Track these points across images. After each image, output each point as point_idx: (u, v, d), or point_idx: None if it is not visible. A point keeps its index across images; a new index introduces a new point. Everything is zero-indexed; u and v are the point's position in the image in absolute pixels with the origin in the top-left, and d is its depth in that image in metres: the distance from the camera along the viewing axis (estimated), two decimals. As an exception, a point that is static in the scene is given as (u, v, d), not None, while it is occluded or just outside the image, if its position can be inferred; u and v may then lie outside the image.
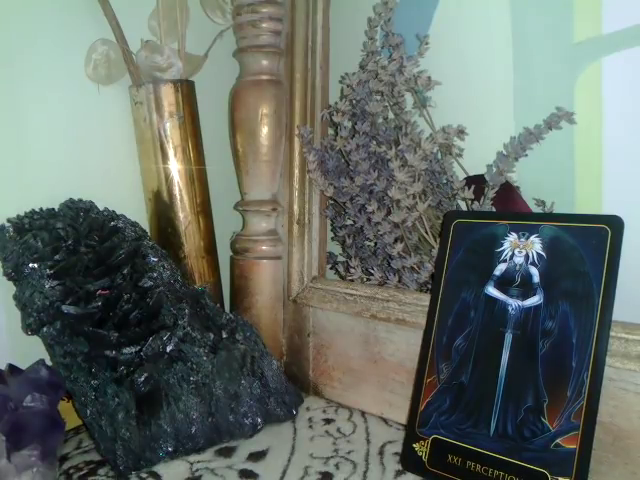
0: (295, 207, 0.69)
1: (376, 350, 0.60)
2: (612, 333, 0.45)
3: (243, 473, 0.51)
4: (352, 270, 0.65)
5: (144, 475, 0.51)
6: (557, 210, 0.56)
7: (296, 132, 0.68)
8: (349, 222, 0.69)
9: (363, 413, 0.61)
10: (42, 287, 0.56)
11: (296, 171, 0.69)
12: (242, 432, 0.56)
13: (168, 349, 0.56)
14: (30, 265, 0.57)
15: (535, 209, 0.58)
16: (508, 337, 0.48)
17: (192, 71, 0.70)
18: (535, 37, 0.59)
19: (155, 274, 0.59)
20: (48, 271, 0.56)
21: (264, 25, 0.67)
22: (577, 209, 0.58)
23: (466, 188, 0.57)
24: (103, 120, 0.68)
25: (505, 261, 0.50)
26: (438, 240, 0.59)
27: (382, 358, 0.60)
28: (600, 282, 0.45)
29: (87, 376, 0.53)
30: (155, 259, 0.61)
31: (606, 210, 0.55)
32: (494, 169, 0.56)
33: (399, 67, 0.60)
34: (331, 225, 0.72)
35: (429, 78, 0.59)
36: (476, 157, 0.59)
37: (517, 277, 0.49)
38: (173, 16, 0.67)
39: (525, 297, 0.48)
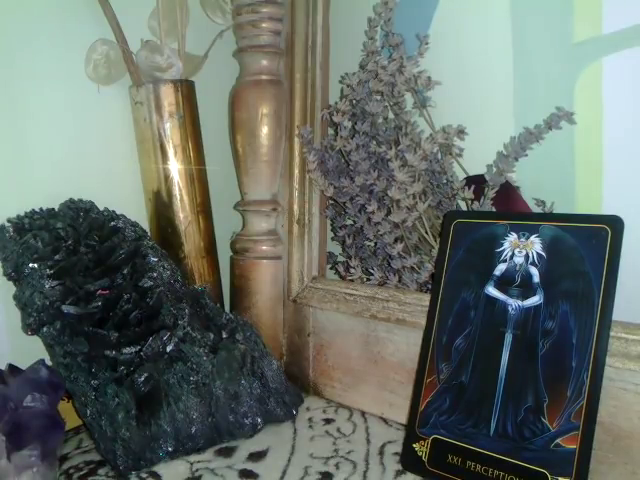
0: (295, 207, 0.69)
1: (376, 350, 0.60)
2: (612, 333, 0.45)
3: (243, 473, 0.51)
4: (352, 270, 0.65)
5: (144, 475, 0.51)
6: (557, 210, 0.56)
7: (296, 132, 0.68)
8: (349, 222, 0.69)
9: (363, 413, 0.61)
10: (42, 287, 0.56)
11: (296, 171, 0.69)
12: (242, 432, 0.56)
13: (168, 349, 0.56)
14: (30, 265, 0.57)
15: (535, 209, 0.58)
16: (508, 337, 0.48)
17: (192, 71, 0.70)
18: (535, 37, 0.59)
19: (155, 274, 0.59)
20: (48, 271, 0.56)
21: (264, 25, 0.67)
22: (577, 209, 0.58)
23: (466, 188, 0.57)
24: (103, 120, 0.68)
25: (505, 261, 0.50)
26: (438, 240, 0.59)
27: (382, 358, 0.60)
28: (600, 282, 0.45)
29: (87, 376, 0.53)
30: (155, 259, 0.61)
31: (606, 210, 0.55)
32: (494, 169, 0.56)
33: (399, 67, 0.60)
34: (331, 225, 0.72)
35: (429, 78, 0.59)
36: (476, 157, 0.59)
37: (517, 277, 0.49)
38: (173, 16, 0.67)
39: (525, 297, 0.48)
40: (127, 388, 0.53)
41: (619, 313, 0.45)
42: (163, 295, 0.58)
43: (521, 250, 0.50)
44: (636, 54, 0.53)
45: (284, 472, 0.51)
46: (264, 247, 0.69)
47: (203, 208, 0.70)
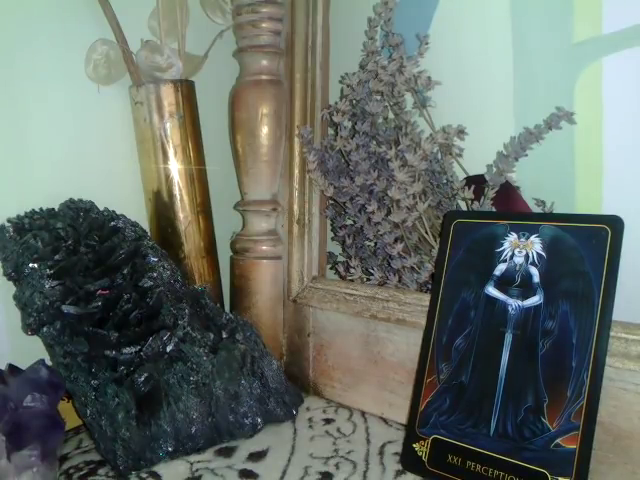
0: (295, 207, 0.69)
1: (376, 350, 0.60)
2: (612, 333, 0.45)
3: (243, 473, 0.51)
4: (352, 270, 0.65)
5: (144, 475, 0.51)
6: (557, 210, 0.56)
7: (296, 132, 0.68)
8: (349, 222, 0.69)
9: (363, 413, 0.61)
10: (42, 287, 0.56)
11: (296, 171, 0.69)
12: (242, 432, 0.56)
13: (168, 349, 0.56)
14: (30, 265, 0.57)
15: (535, 209, 0.58)
16: (508, 337, 0.48)
17: (192, 71, 0.70)
18: (535, 37, 0.59)
19: (155, 274, 0.59)
20: (48, 271, 0.56)
21: (264, 25, 0.67)
22: (577, 209, 0.58)
23: (466, 188, 0.57)
24: (103, 120, 0.68)
25: (505, 261, 0.50)
26: (438, 240, 0.59)
27: (382, 358, 0.60)
28: (600, 282, 0.45)
29: (87, 376, 0.53)
30: (155, 259, 0.61)
31: (606, 210, 0.55)
32: (494, 169, 0.56)
33: (399, 67, 0.60)
34: (331, 225, 0.72)
35: (429, 78, 0.59)
36: (476, 157, 0.59)
37: (517, 277, 0.49)
38: (173, 16, 0.67)
39: (525, 297, 0.48)
40: (127, 388, 0.53)
41: (619, 313, 0.45)
42: (163, 295, 0.58)
43: (521, 250, 0.50)
44: (636, 54, 0.53)
45: (284, 472, 0.51)
46: (264, 247, 0.69)
47: (203, 208, 0.70)
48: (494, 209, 0.56)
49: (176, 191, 0.67)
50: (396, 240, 0.61)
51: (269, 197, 0.69)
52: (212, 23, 0.72)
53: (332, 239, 0.73)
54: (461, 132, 0.57)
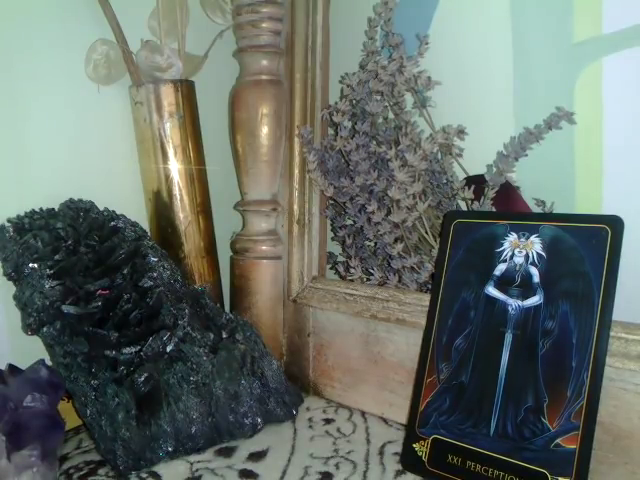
0: (295, 207, 0.69)
1: (376, 350, 0.60)
2: (612, 333, 0.45)
3: (243, 473, 0.51)
4: (352, 270, 0.65)
5: (144, 475, 0.51)
6: (557, 210, 0.56)
7: (296, 132, 0.68)
8: (349, 222, 0.69)
9: (363, 413, 0.61)
10: (42, 287, 0.56)
11: (296, 171, 0.69)
12: (242, 432, 0.56)
13: (168, 349, 0.56)
14: (30, 265, 0.57)
15: (535, 209, 0.58)
16: (508, 337, 0.48)
17: (192, 71, 0.70)
18: (535, 37, 0.59)
19: (155, 274, 0.59)
20: (48, 271, 0.56)
21: (264, 25, 0.67)
22: (577, 209, 0.58)
23: (466, 188, 0.57)
24: (103, 120, 0.68)
25: (505, 261, 0.50)
26: (438, 240, 0.59)
27: (382, 358, 0.60)
28: (600, 282, 0.45)
29: (87, 376, 0.53)
30: (155, 259, 0.61)
31: (606, 210, 0.55)
32: (494, 169, 0.56)
33: (399, 67, 0.60)
34: (331, 225, 0.72)
35: (429, 78, 0.59)
36: (476, 157, 0.59)
37: (517, 277, 0.49)
38: (173, 16, 0.67)
39: (525, 297, 0.48)
40: (127, 388, 0.53)
41: (619, 313, 0.45)
42: (163, 295, 0.58)
43: (521, 250, 0.50)
44: (636, 54, 0.53)
45: (284, 472, 0.51)
46: (264, 247, 0.69)
47: (203, 208, 0.70)
48: (494, 209, 0.56)
49: (176, 191, 0.67)
50: (396, 240, 0.61)
51: (269, 197, 0.69)
52: (212, 23, 0.72)
53: (332, 239, 0.73)
54: (461, 132, 0.57)
